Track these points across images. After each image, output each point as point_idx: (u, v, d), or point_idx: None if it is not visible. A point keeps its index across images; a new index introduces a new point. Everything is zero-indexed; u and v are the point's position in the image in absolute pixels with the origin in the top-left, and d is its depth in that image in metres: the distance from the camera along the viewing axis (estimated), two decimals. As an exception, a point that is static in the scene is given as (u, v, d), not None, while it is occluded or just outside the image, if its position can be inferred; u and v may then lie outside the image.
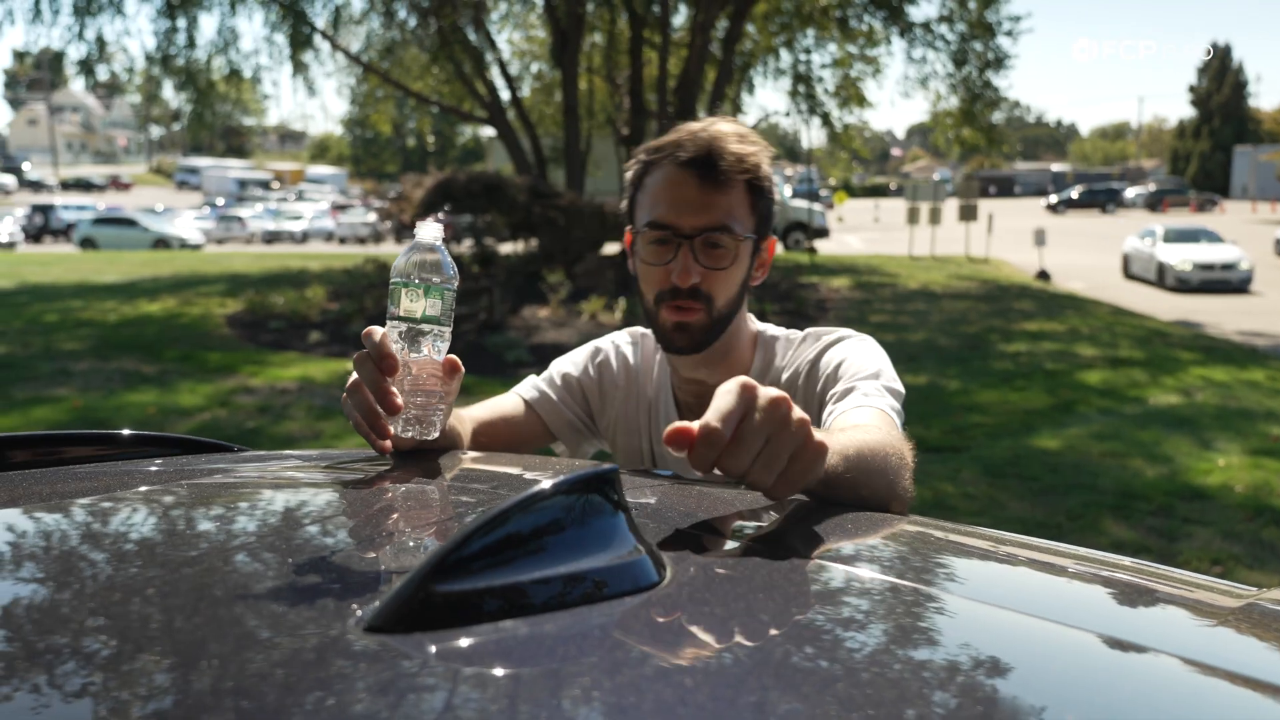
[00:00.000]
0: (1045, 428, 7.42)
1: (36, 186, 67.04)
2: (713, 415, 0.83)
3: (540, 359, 9.57)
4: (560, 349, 9.85)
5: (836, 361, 1.41)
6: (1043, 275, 18.90)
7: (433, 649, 0.52)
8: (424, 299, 1.05)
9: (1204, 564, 4.69)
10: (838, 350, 1.44)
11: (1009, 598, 0.73)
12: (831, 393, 1.37)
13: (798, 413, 0.87)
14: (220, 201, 54.81)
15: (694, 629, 0.58)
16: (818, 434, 0.88)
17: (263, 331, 11.56)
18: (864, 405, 1.29)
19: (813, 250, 21.96)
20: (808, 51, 20.56)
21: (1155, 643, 0.65)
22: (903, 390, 1.39)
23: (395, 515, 0.86)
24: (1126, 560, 0.90)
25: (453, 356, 1.10)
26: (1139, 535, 5.10)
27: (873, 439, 1.10)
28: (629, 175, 1.49)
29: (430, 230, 1.07)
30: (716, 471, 0.84)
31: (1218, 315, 14.43)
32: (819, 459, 0.88)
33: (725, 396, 0.85)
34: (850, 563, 0.78)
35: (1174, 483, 5.99)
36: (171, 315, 13.02)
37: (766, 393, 0.86)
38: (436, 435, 1.08)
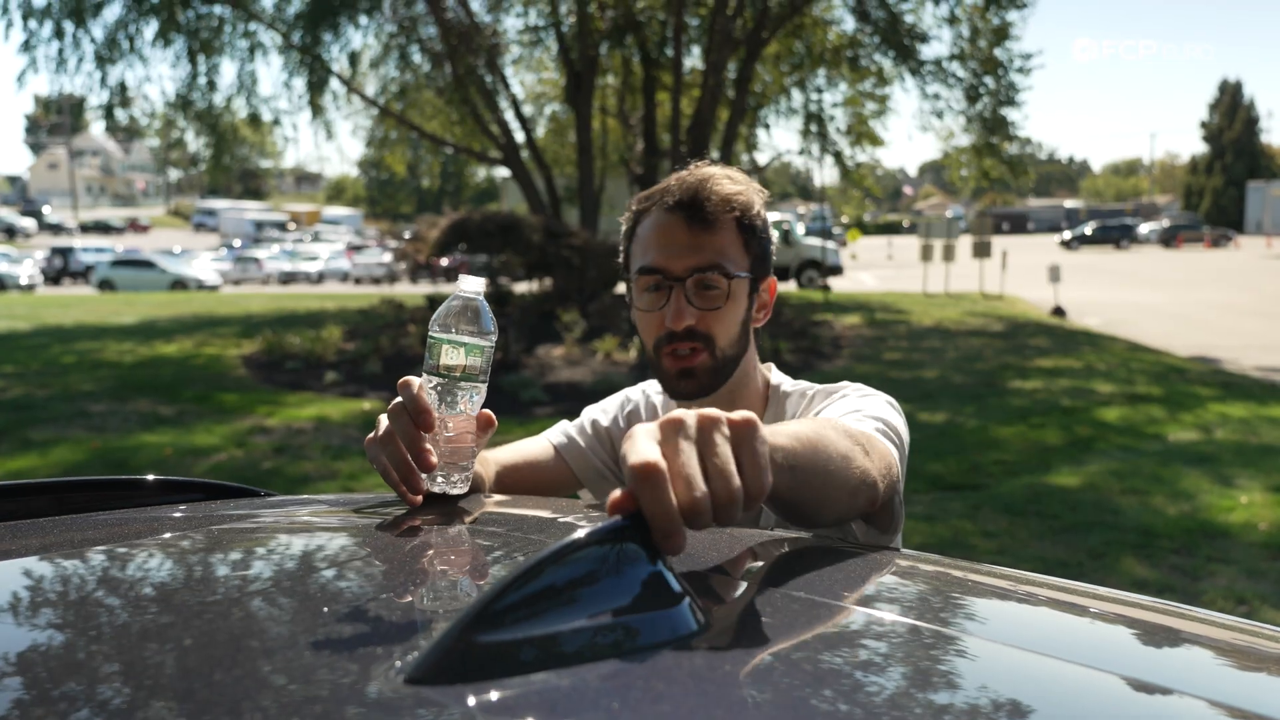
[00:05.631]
0: (1064, 465, 7.36)
1: (56, 229, 67.92)
2: (629, 470, 0.69)
3: (555, 398, 9.58)
4: (575, 388, 9.91)
5: (831, 408, 1.38)
6: (1058, 311, 18.84)
7: (474, 701, 0.51)
8: (464, 354, 1.04)
9: (1228, 604, 4.62)
10: (838, 404, 1.39)
11: (1063, 648, 0.72)
12: None
13: (707, 413, 0.77)
14: (237, 243, 55.31)
15: (737, 678, 0.58)
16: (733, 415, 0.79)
17: (278, 372, 11.60)
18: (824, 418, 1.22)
19: (826, 288, 21.98)
20: (819, 91, 20.73)
21: (1200, 692, 0.63)
22: (901, 432, 1.30)
23: (430, 563, 0.86)
24: (1170, 604, 0.89)
25: (487, 411, 1.10)
26: (1161, 574, 5.04)
27: (804, 426, 1.00)
28: (623, 227, 1.48)
29: (473, 284, 1.05)
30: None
31: (1235, 351, 14.33)
32: (754, 426, 0.78)
33: (627, 446, 0.72)
34: (892, 608, 0.77)
35: (1195, 521, 5.92)
36: (188, 356, 13.10)
37: (664, 418, 0.75)
38: (465, 490, 1.07)
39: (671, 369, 1.41)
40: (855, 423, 1.23)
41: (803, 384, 1.52)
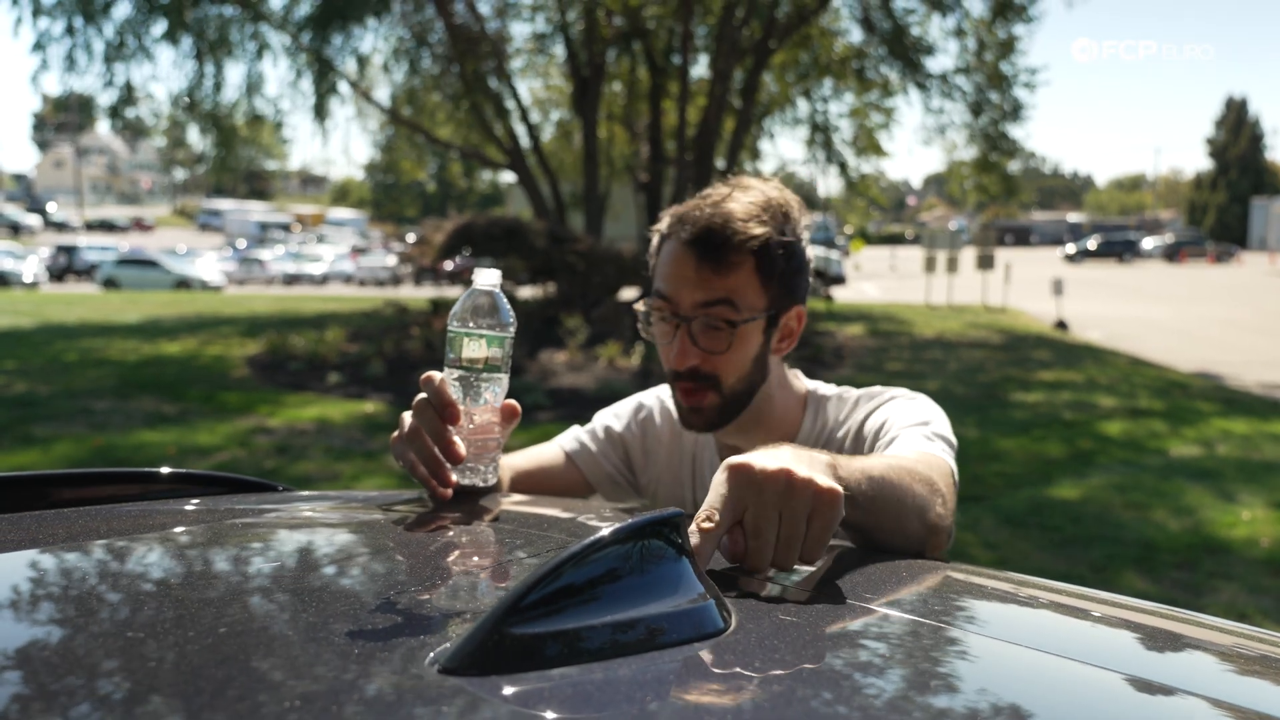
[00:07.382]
0: (1065, 478, 7.36)
1: (61, 227, 68.06)
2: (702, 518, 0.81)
3: (557, 403, 9.57)
4: (577, 394, 9.91)
5: (884, 419, 1.40)
6: (1060, 325, 18.84)
7: (506, 691, 0.52)
8: (484, 346, 1.04)
9: (1230, 619, 4.61)
10: (886, 409, 1.43)
11: (1078, 650, 0.73)
12: (879, 446, 1.36)
13: (801, 474, 0.84)
14: (242, 243, 55.37)
15: (762, 676, 0.58)
16: (828, 480, 0.86)
17: (281, 373, 11.61)
18: (906, 444, 1.29)
19: (829, 298, 21.97)
20: (825, 101, 20.78)
21: (1205, 692, 0.64)
22: (954, 441, 1.37)
23: (458, 558, 0.87)
24: (1176, 610, 0.90)
25: (511, 401, 1.10)
26: (1163, 588, 5.04)
27: (894, 463, 1.09)
28: (652, 242, 1.46)
29: (489, 276, 1.06)
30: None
31: (1238, 367, 14.33)
32: (835, 506, 0.84)
33: (713, 495, 0.84)
34: (914, 610, 0.78)
35: (1197, 536, 5.92)
36: (191, 355, 13.11)
37: (762, 473, 0.84)
38: (494, 481, 1.08)
39: (683, 403, 1.41)
40: (926, 442, 1.29)
41: (837, 388, 1.52)
